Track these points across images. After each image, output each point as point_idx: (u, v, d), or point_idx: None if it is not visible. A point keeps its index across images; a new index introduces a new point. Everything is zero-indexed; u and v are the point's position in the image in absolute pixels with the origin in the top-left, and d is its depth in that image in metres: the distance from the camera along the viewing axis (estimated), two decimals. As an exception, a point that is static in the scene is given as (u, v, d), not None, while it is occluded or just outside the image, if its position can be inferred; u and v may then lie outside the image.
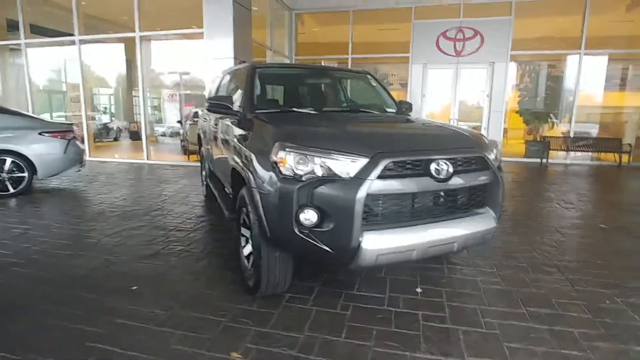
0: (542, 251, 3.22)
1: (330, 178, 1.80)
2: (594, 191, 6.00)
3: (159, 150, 10.12)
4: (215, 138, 3.54)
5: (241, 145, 2.38)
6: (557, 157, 9.12)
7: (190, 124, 9.89)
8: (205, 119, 4.33)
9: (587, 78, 9.26)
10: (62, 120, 10.02)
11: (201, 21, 7.33)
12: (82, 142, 5.97)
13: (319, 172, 1.83)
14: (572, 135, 9.09)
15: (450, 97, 9.85)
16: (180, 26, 8.08)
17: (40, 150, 4.93)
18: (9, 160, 4.77)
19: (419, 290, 2.52)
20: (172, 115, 14.28)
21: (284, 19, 10.31)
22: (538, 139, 9.74)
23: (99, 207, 4.44)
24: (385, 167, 1.79)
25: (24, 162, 4.84)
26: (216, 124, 3.50)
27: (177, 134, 12.00)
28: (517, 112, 10.20)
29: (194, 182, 6.06)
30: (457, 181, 1.98)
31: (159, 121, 13.36)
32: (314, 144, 1.89)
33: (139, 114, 14.97)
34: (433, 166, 1.91)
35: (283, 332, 2.02)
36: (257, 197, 1.97)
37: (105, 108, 15.45)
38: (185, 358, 1.80)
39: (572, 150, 8.81)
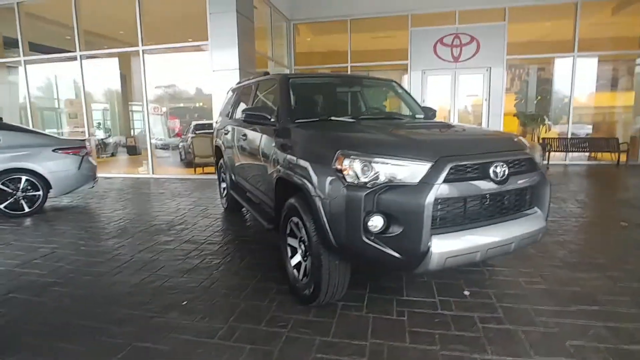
0: (572, 250, 3.29)
1: (397, 184, 1.83)
2: (602, 190, 6.16)
3: (158, 164, 9.98)
4: (244, 149, 3.55)
5: (290, 155, 2.40)
6: (555, 158, 9.32)
7: (192, 137, 9.86)
8: (226, 130, 4.33)
9: (581, 79, 9.54)
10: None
11: (199, 34, 7.39)
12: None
13: (383, 179, 1.86)
14: (570, 136, 9.33)
15: (449, 102, 10.03)
16: (178, 39, 8.10)
17: (55, 167, 4.86)
18: (24, 178, 4.69)
19: (466, 292, 2.55)
20: (166, 128, 14.17)
21: (282, 30, 10.42)
22: (536, 141, 9.94)
23: (119, 223, 4.39)
24: (449, 171, 1.83)
25: (38, 180, 4.77)
26: (245, 135, 3.51)
27: (175, 147, 11.92)
28: (514, 115, 10.42)
29: (207, 194, 6.03)
30: (512, 183, 2.04)
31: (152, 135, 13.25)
32: (376, 150, 1.92)
33: (137, 129, 14.86)
34: (491, 169, 1.96)
35: (348, 340, 2.03)
36: (320, 205, 1.98)
37: (99, 124, 15.27)
38: (260, 371, 1.80)
39: (571, 151, 9.02)
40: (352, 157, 1.89)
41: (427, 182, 1.80)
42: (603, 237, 3.67)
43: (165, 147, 12.61)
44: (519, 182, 2.08)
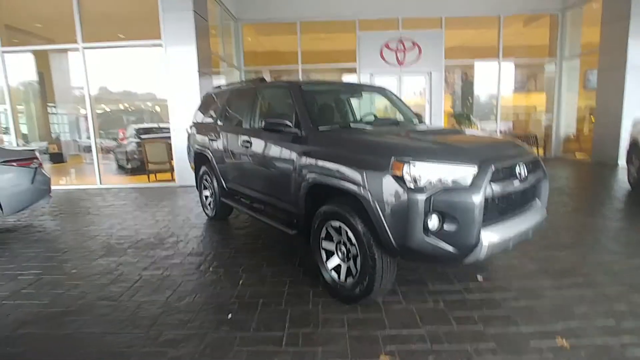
0: (541, 234, 3.83)
1: (451, 186, 2.07)
2: (534, 179, 7.17)
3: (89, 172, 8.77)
4: (249, 156, 3.51)
5: (328, 162, 2.50)
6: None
7: (137, 142, 9.20)
8: (213, 136, 4.21)
9: (504, 82, 10.92)
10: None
11: (142, 32, 7.03)
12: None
13: (437, 182, 2.09)
14: (499, 133, 10.63)
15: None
16: (113, 37, 7.50)
17: (5, 183, 4.25)
18: (-32, 198, 4.04)
19: (480, 278, 2.91)
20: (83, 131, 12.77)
21: (230, 29, 10.17)
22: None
23: (98, 240, 4.02)
24: (492, 173, 2.13)
25: (-15, 198, 4.13)
26: (248, 142, 3.48)
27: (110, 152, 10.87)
28: (451, 115, 11.54)
29: (177, 203, 5.74)
30: (529, 180, 2.41)
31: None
32: (429, 157, 2.14)
33: (60, 133, 13.29)
34: (517, 170, 2.31)
35: (406, 330, 2.23)
36: (378, 209, 2.14)
37: (7, 128, 13.26)
38: (346, 369, 1.91)
39: (500, 145, 10.27)
40: (411, 163, 2.08)
41: (477, 183, 2.07)
42: (557, 221, 4.36)
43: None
44: (533, 179, 2.47)
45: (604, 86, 8.69)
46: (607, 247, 3.47)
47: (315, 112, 3.08)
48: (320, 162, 2.58)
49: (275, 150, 3.13)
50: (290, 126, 2.87)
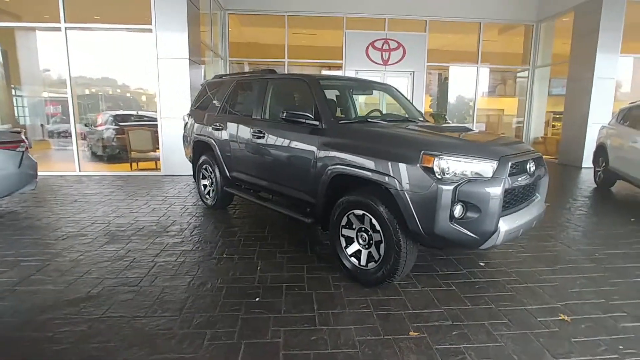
0: (527, 225, 4.21)
1: (475, 178, 2.26)
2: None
3: (63, 158, 8.21)
4: (262, 147, 3.54)
5: (353, 155, 2.62)
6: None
7: (113, 129, 8.92)
8: (217, 126, 4.20)
9: (481, 86, 11.47)
10: None
11: (115, 13, 6.87)
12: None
13: (462, 174, 2.27)
14: (474, 133, 11.17)
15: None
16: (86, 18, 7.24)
17: (-9, 166, 4.03)
18: (-47, 181, 3.79)
19: (482, 264, 3.15)
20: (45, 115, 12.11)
21: (217, 18, 9.99)
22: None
23: (97, 227, 3.91)
24: (510, 167, 2.34)
25: (-29, 182, 3.91)
26: (261, 132, 3.53)
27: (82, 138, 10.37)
28: (430, 115, 11.97)
29: (169, 192, 5.64)
30: (536, 175, 2.66)
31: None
32: (455, 151, 2.31)
33: (28, 116, 12.51)
34: (527, 165, 2.54)
35: (427, 310, 2.40)
36: (407, 198, 2.29)
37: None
38: (382, 343, 2.05)
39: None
40: (440, 157, 2.24)
41: (498, 176, 2.27)
42: (539, 214, 4.73)
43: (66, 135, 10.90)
44: (538, 174, 2.71)
45: (572, 94, 9.35)
46: (586, 238, 3.83)
47: (333, 106, 3.18)
48: (344, 155, 2.69)
49: (291, 142, 3.20)
50: (311, 118, 2.95)
